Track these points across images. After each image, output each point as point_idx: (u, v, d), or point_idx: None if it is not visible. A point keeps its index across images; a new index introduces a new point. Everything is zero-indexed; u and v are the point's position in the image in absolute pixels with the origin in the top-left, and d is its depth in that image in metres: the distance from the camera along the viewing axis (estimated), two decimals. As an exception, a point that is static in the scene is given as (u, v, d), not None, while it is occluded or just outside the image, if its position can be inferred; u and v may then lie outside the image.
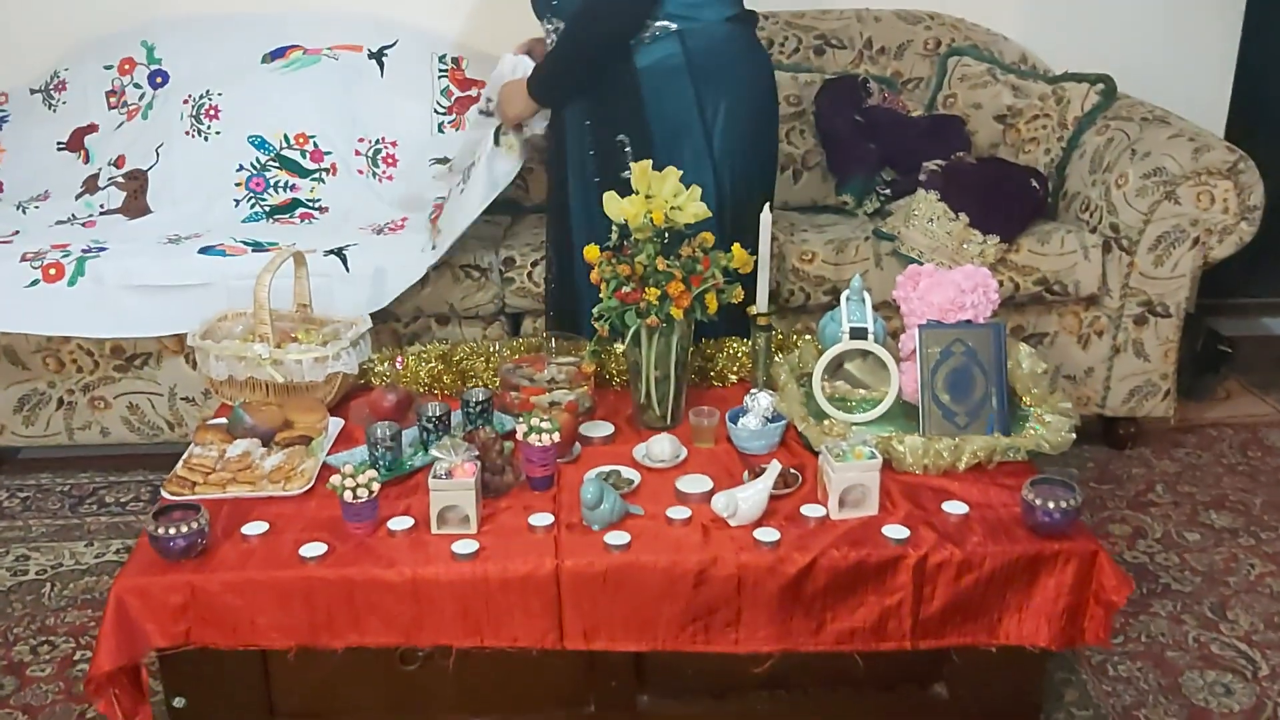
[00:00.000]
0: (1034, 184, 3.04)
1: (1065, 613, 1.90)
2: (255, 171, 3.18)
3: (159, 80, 3.26)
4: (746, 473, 2.06)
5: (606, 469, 2.08)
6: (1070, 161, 3.16)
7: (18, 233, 2.99)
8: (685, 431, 2.23)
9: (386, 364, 2.44)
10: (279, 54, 3.29)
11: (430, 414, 2.15)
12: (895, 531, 1.89)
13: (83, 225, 3.08)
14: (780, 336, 2.52)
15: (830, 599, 1.88)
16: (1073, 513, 1.89)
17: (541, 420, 2.03)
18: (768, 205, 2.31)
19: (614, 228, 2.24)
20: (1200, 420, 3.32)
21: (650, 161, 2.21)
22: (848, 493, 1.95)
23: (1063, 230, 2.98)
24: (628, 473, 2.08)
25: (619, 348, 2.42)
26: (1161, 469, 3.08)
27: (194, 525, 1.83)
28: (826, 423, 2.19)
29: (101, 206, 3.17)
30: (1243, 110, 3.73)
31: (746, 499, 1.93)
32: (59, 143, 3.28)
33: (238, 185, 3.18)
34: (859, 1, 3.51)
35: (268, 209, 3.16)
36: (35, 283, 2.76)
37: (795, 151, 3.36)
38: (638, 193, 2.23)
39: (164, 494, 2.01)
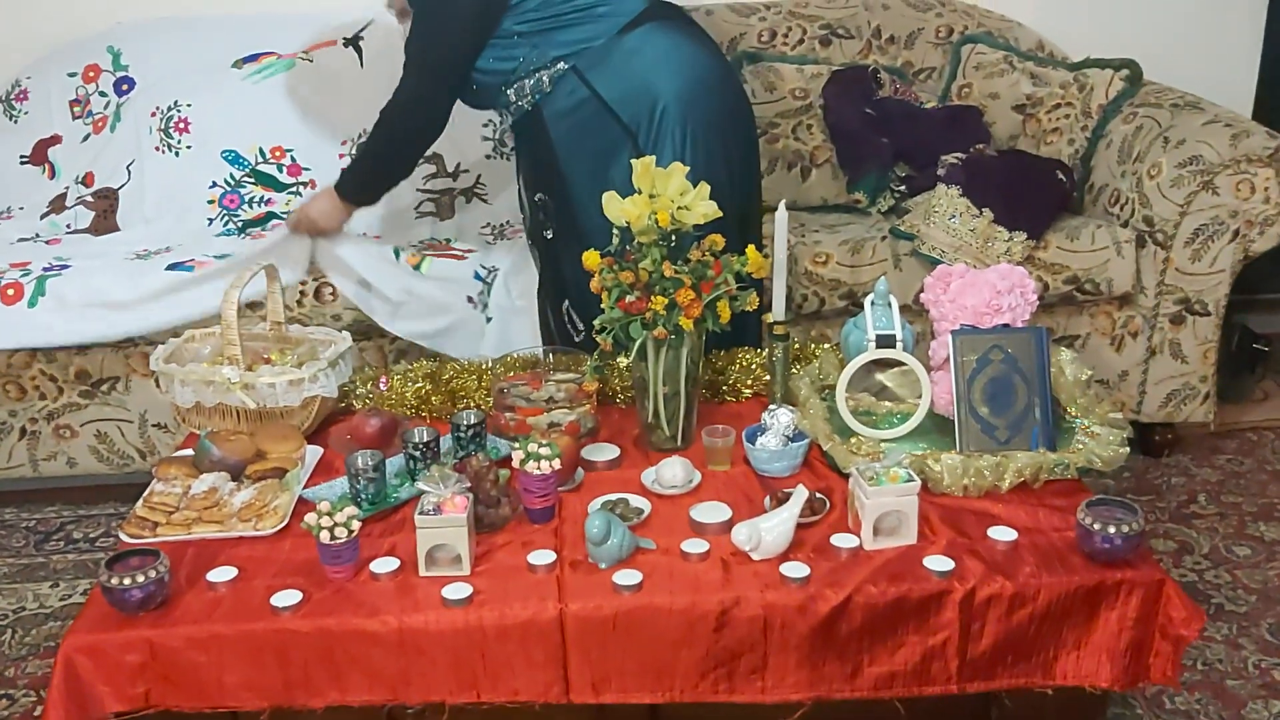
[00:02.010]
0: (1060, 176, 2.86)
1: (1129, 649, 1.71)
2: (229, 189, 3.00)
3: (125, 88, 3.07)
4: (768, 498, 1.86)
5: (613, 498, 1.88)
6: (1096, 152, 2.97)
7: None
8: (698, 453, 2.03)
9: (369, 385, 2.25)
10: (251, 59, 3.10)
11: (417, 440, 1.95)
12: (938, 563, 1.70)
13: (45, 243, 2.89)
14: (797, 346, 2.32)
15: (867, 640, 1.68)
16: (1135, 538, 1.70)
17: (540, 445, 1.83)
18: (783, 203, 2.12)
19: (615, 231, 2.05)
20: (1239, 424, 3.13)
21: (653, 158, 2.02)
22: (883, 520, 1.76)
23: (1093, 225, 2.79)
24: (636, 501, 1.88)
25: (623, 362, 2.22)
26: (1203, 478, 2.88)
27: (152, 574, 1.63)
28: (853, 440, 2.00)
29: (68, 226, 2.99)
30: (1271, 94, 3.55)
31: (770, 529, 1.73)
32: (21, 156, 3.09)
33: (210, 203, 3.00)
34: (865, -12, 3.33)
35: (240, 224, 2.97)
36: None
37: (803, 148, 3.16)
38: (640, 192, 2.04)
39: (122, 537, 1.81)
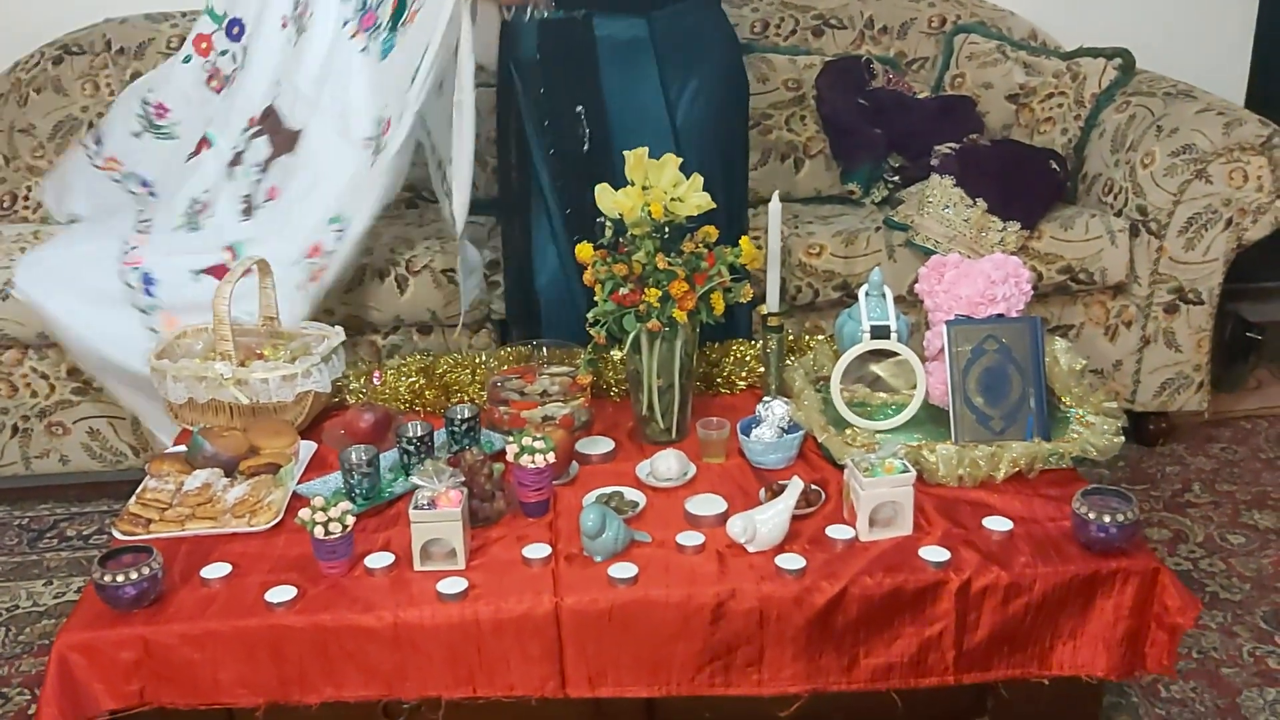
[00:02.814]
0: (1054, 166, 2.85)
1: (1125, 639, 1.71)
2: None
3: (235, 30, 2.91)
4: (763, 490, 1.86)
5: (607, 491, 1.88)
6: (1090, 141, 2.97)
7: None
8: (693, 445, 2.03)
9: (363, 380, 2.24)
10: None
11: (411, 435, 1.95)
12: (934, 554, 1.69)
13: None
14: (791, 338, 2.32)
15: (864, 632, 1.68)
16: (1130, 527, 1.70)
17: (534, 439, 1.83)
18: (776, 195, 2.11)
19: (607, 222, 2.04)
20: (1233, 412, 3.13)
21: (645, 150, 2.01)
22: (878, 511, 1.75)
23: (1086, 214, 2.79)
24: (631, 494, 1.88)
25: (617, 355, 2.22)
26: (1197, 466, 2.88)
27: (146, 571, 1.62)
28: (849, 432, 1.99)
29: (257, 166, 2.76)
30: (1263, 83, 3.54)
31: (766, 521, 1.73)
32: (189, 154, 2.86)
33: None
34: (858, -21, 3.32)
35: None
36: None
37: (796, 139, 3.15)
38: (633, 183, 2.03)
39: (115, 534, 1.81)
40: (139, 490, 1.88)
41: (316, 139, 2.63)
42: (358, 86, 2.60)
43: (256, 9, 2.80)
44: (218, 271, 2.44)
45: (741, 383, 2.28)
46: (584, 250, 2.03)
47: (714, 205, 2.01)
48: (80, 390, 2.71)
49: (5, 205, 3.10)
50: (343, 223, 2.51)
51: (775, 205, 2.08)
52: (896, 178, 2.99)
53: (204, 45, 2.88)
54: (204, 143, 2.78)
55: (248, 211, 2.64)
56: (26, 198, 3.11)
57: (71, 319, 2.52)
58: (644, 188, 2.01)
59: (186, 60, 2.90)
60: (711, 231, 2.07)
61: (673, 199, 1.99)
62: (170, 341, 2.20)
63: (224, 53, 2.87)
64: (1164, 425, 2.97)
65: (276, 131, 2.69)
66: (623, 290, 1.98)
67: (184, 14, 3.17)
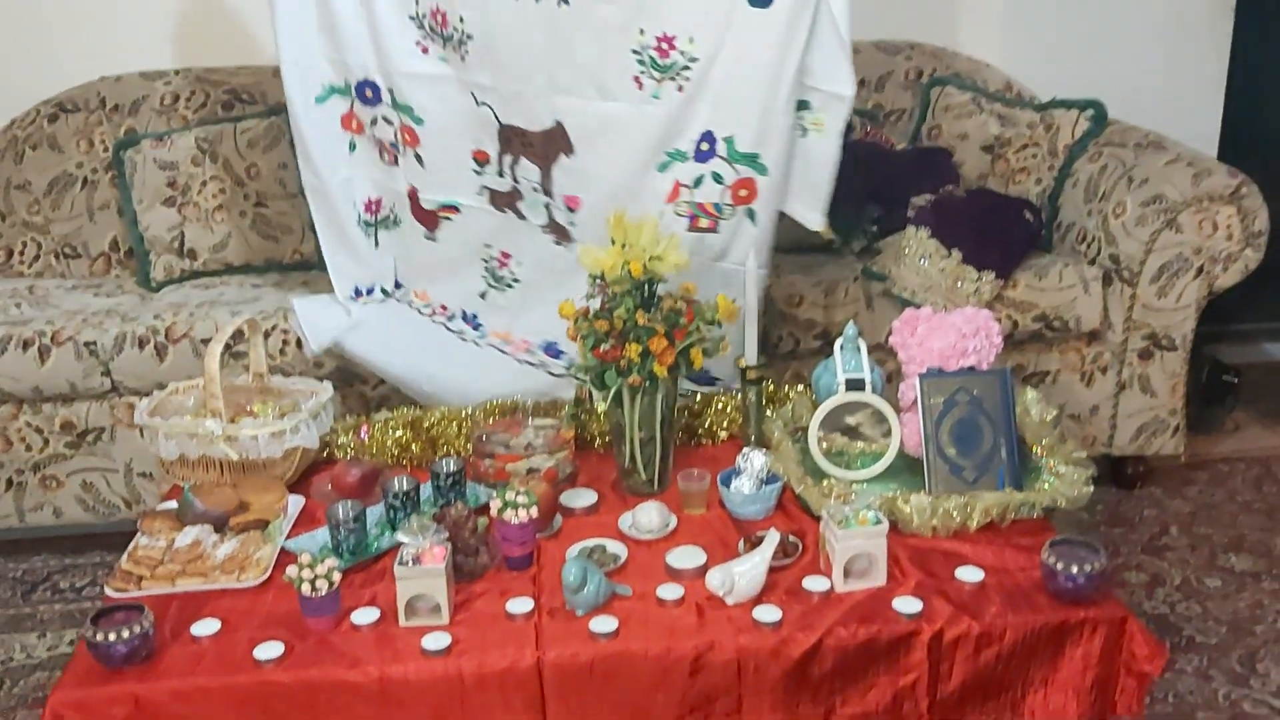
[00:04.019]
0: (1027, 216, 2.91)
1: (1094, 686, 1.75)
2: None
3: (369, 94, 2.58)
4: (742, 541, 1.90)
5: (590, 544, 1.92)
6: (1063, 191, 3.03)
7: None
8: (674, 496, 2.08)
9: (350, 434, 2.28)
10: None
11: (397, 490, 1.99)
12: (907, 605, 1.74)
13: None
14: (771, 388, 2.37)
15: (839, 682, 1.72)
16: (1098, 576, 1.74)
17: (518, 494, 1.87)
18: (752, 255, 2.17)
19: (592, 279, 2.10)
20: (1210, 455, 3.18)
21: (625, 211, 2.07)
22: (853, 562, 1.80)
23: (1060, 263, 2.85)
24: (613, 547, 1.92)
25: (600, 406, 2.26)
26: (1174, 509, 2.93)
27: (137, 629, 1.66)
28: (826, 483, 2.04)
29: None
30: (1235, 132, 3.63)
31: (743, 574, 1.77)
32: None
33: None
34: (836, 33, 3.39)
35: None
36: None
37: (777, 190, 3.22)
38: (614, 241, 2.09)
39: (107, 591, 1.84)
40: (131, 547, 1.92)
41: (584, 115, 2.38)
42: (576, 40, 2.33)
43: (372, 57, 2.50)
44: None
45: (722, 433, 2.33)
46: (566, 308, 2.09)
47: (689, 265, 2.07)
48: (74, 444, 2.75)
49: (1, 261, 3.15)
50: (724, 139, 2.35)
51: (751, 263, 2.15)
52: (875, 228, 3.05)
53: (355, 124, 2.61)
54: (448, 211, 2.60)
55: (565, 236, 2.52)
56: (22, 253, 3.17)
57: (411, 372, 2.63)
58: (624, 246, 2.07)
59: (353, 148, 2.63)
60: (690, 287, 2.13)
61: (652, 258, 2.05)
62: (162, 398, 2.25)
63: (374, 121, 2.59)
64: (1142, 468, 3.02)
65: (524, 143, 2.47)
66: (604, 346, 2.04)
67: (176, 72, 3.24)
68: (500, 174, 2.50)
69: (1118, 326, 2.84)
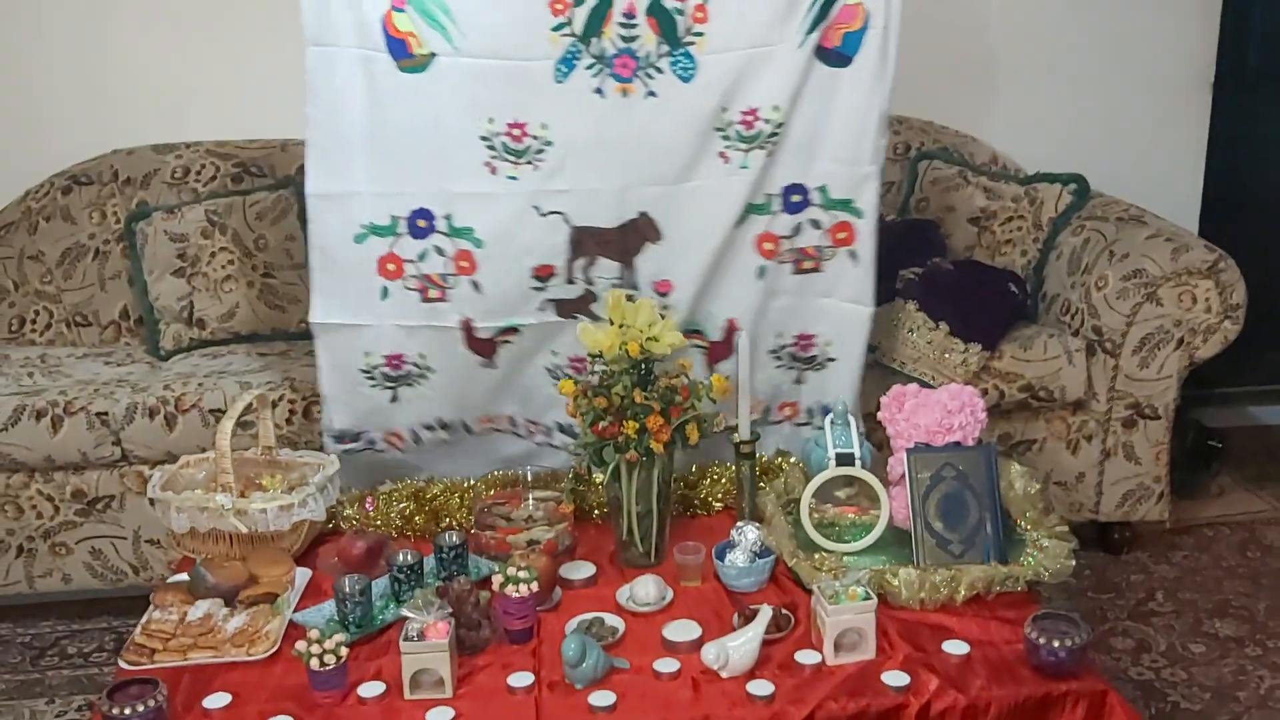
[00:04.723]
0: (1013, 288, 3.00)
1: (1077, 757, 1.81)
2: None
3: (422, 224, 2.44)
4: (736, 615, 1.96)
5: (589, 617, 1.98)
6: (1048, 263, 3.13)
7: None
8: (670, 568, 2.14)
9: (355, 506, 2.35)
10: None
11: (401, 563, 2.05)
12: (895, 678, 1.80)
13: None
14: (764, 459, 2.44)
15: (830, 755, 1.78)
16: (1078, 651, 1.80)
17: (519, 569, 1.94)
18: (743, 332, 2.26)
19: (590, 357, 2.18)
20: (1195, 520, 3.24)
21: (624, 292, 2.16)
22: (843, 636, 1.86)
23: (1045, 334, 2.93)
24: (611, 620, 1.98)
25: (598, 478, 2.34)
26: (1160, 574, 2.99)
27: (151, 704, 1.72)
28: (817, 556, 2.11)
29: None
30: (1215, 202, 3.73)
31: (737, 648, 1.83)
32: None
33: None
34: (827, 108, 3.50)
35: None
36: None
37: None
38: (611, 322, 2.17)
39: (120, 664, 1.90)
40: (144, 620, 1.98)
41: (669, 200, 2.39)
42: (661, 128, 2.35)
43: (433, 181, 2.39)
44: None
45: (718, 504, 2.39)
46: (566, 386, 2.17)
47: (686, 343, 2.15)
48: (84, 512, 2.81)
49: (14, 329, 3.24)
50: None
51: (744, 340, 2.23)
52: (866, 299, 3.13)
53: (391, 267, 2.43)
54: (507, 335, 2.47)
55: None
56: (34, 321, 3.25)
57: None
58: (621, 326, 2.15)
59: (385, 295, 2.44)
60: (686, 365, 2.22)
61: (648, 338, 2.13)
62: (174, 471, 2.31)
63: (422, 256, 2.43)
64: (1128, 534, 3.09)
65: (600, 241, 2.42)
66: (602, 423, 2.11)
67: (187, 145, 3.34)
68: (570, 281, 2.44)
69: (1102, 396, 2.92)
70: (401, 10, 2.26)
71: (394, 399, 2.53)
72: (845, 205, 2.43)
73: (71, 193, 3.29)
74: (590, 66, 2.30)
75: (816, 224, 2.45)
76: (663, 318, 2.25)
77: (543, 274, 2.42)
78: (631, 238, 2.42)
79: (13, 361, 3.05)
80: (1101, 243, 3.00)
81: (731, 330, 2.47)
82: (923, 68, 3.17)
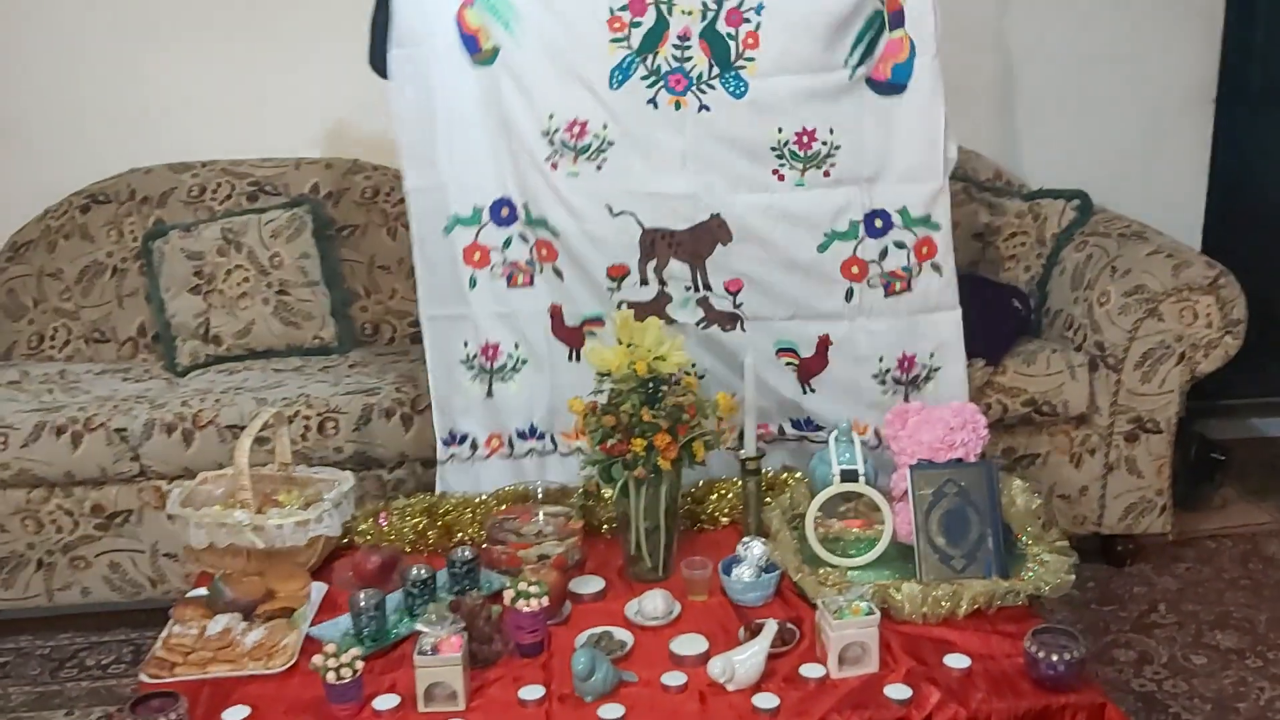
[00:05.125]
0: (1016, 304, 3.04)
1: (1075, 768, 1.84)
2: None
3: (505, 212, 2.57)
4: (743, 629, 2.01)
5: (598, 631, 2.03)
6: (1051, 278, 3.17)
7: None
8: (678, 583, 2.18)
9: (370, 521, 2.40)
10: None
11: (414, 577, 2.10)
12: (897, 691, 1.84)
13: None
14: (770, 474, 2.48)
15: (833, 767, 1.82)
16: (1077, 664, 1.84)
17: (529, 584, 1.98)
18: (749, 357, 2.30)
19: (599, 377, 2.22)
20: (1198, 532, 3.28)
21: (632, 312, 2.21)
22: (847, 650, 1.90)
23: (1048, 350, 2.97)
24: (620, 634, 2.02)
25: (607, 493, 2.38)
26: (1163, 586, 3.03)
27: (172, 716, 1.76)
28: (822, 571, 2.15)
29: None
30: (1218, 216, 3.77)
31: (743, 662, 1.88)
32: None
33: None
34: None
35: None
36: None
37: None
38: (620, 341, 2.22)
39: (142, 677, 1.95)
40: (165, 634, 2.03)
41: (733, 206, 2.49)
42: (716, 142, 2.47)
43: (510, 173, 2.51)
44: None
45: (724, 518, 2.44)
46: (575, 404, 2.22)
47: (693, 362, 2.20)
48: (102, 526, 2.86)
49: (34, 345, 3.30)
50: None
51: (749, 362, 2.27)
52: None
53: (478, 256, 2.55)
54: (593, 325, 2.57)
55: (730, 322, 2.57)
56: (53, 338, 3.30)
57: None
58: (629, 345, 2.20)
59: (473, 284, 2.56)
60: (692, 383, 2.26)
61: (656, 357, 2.18)
62: (193, 488, 2.37)
63: (507, 243, 2.55)
64: (1131, 546, 3.12)
65: (671, 243, 2.51)
66: (611, 441, 2.16)
67: (204, 164, 3.40)
68: (644, 282, 2.53)
69: (1104, 410, 2.96)
70: (471, 6, 2.40)
71: (489, 394, 2.63)
72: (925, 222, 2.56)
73: (90, 211, 3.35)
74: (645, 78, 2.43)
75: (901, 245, 2.56)
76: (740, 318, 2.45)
77: (616, 274, 2.53)
78: (701, 240, 2.52)
79: (32, 378, 3.11)
80: (1104, 258, 3.03)
81: (824, 345, 2.59)
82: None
